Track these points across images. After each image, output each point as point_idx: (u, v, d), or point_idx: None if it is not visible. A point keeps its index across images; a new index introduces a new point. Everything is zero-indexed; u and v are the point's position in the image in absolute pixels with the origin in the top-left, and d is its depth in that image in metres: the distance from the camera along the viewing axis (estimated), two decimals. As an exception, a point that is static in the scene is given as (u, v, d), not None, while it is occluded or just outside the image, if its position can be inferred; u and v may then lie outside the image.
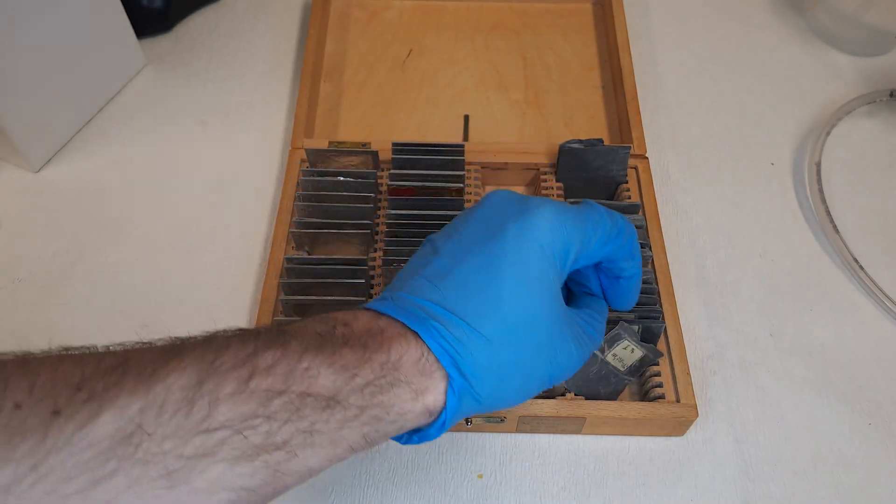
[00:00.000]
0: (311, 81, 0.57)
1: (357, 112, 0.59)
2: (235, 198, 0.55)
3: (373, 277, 0.48)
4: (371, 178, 0.50)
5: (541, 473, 0.43)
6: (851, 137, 0.59)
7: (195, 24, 0.65)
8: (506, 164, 0.53)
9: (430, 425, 0.30)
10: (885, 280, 0.50)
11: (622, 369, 0.43)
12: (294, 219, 0.50)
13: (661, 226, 0.50)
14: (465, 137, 0.58)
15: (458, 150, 0.51)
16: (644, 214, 0.51)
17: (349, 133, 0.58)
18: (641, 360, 0.43)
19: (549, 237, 0.32)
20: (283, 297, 0.46)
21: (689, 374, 0.44)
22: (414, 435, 0.31)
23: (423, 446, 0.44)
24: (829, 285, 0.51)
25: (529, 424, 0.43)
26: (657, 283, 0.47)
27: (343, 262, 0.47)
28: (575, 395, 0.43)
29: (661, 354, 0.44)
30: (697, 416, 0.42)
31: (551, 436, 0.44)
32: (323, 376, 0.27)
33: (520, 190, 0.55)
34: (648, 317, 0.45)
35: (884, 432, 0.45)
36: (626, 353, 0.43)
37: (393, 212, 0.49)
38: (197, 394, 0.25)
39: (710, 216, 0.54)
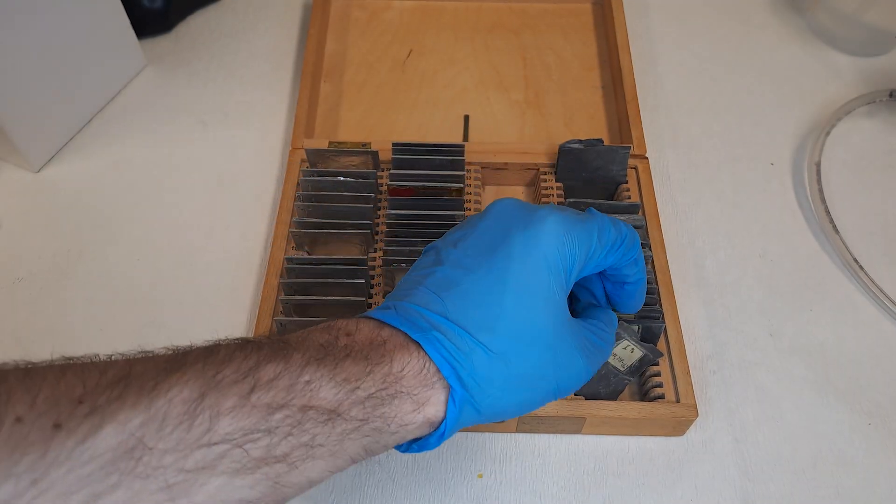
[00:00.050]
0: (311, 81, 0.57)
1: (357, 112, 0.59)
2: (235, 198, 0.55)
3: (373, 277, 0.48)
4: (371, 178, 0.50)
5: (541, 473, 0.43)
6: (851, 137, 0.59)
7: (195, 25, 0.65)
8: (506, 164, 0.53)
9: (429, 435, 0.30)
10: (884, 280, 0.50)
11: (622, 369, 0.43)
12: (294, 219, 0.50)
13: (661, 226, 0.50)
14: (465, 137, 0.58)
15: (458, 150, 0.51)
16: (644, 214, 0.51)
17: (349, 133, 0.58)
18: (641, 359, 0.43)
19: (554, 250, 0.32)
20: (283, 296, 0.46)
21: (688, 373, 0.44)
22: (413, 444, 0.31)
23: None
24: (828, 285, 0.51)
25: (529, 424, 0.44)
26: (657, 283, 0.47)
27: (343, 262, 0.47)
28: (575, 394, 0.43)
29: (660, 354, 0.44)
30: (697, 415, 0.42)
31: (551, 436, 0.44)
32: (324, 389, 0.27)
33: (520, 190, 0.55)
34: (648, 317, 0.45)
35: (883, 432, 0.45)
36: (625, 352, 0.43)
37: (393, 212, 0.49)
38: (198, 408, 0.25)
39: (710, 216, 0.54)
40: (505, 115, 0.59)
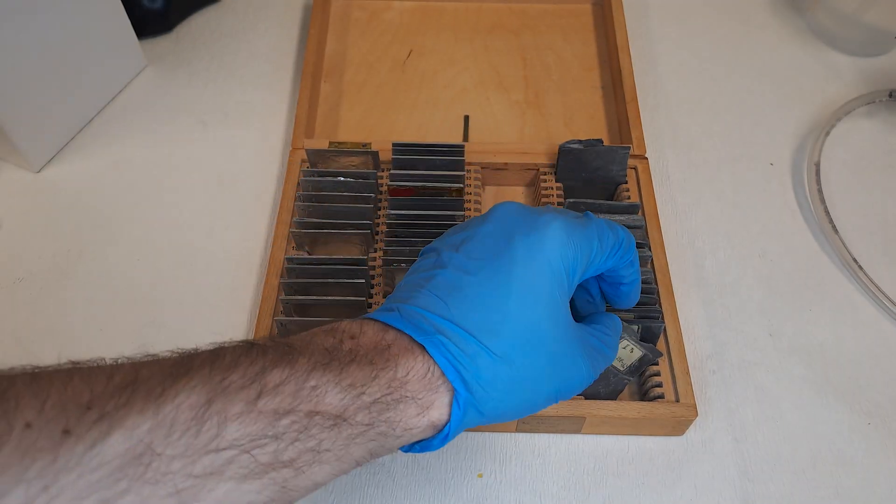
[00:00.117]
0: (311, 82, 0.57)
1: (357, 112, 0.59)
2: (235, 198, 0.55)
3: (373, 277, 0.48)
4: (371, 179, 0.50)
5: (540, 473, 0.43)
6: (851, 138, 0.59)
7: (196, 25, 0.65)
8: (506, 164, 0.53)
9: (433, 437, 0.30)
10: (884, 280, 0.50)
11: (622, 369, 0.43)
12: (294, 219, 0.50)
13: (661, 226, 0.51)
14: (465, 138, 0.58)
15: (458, 150, 0.51)
16: (643, 215, 0.51)
17: (349, 133, 0.58)
18: (641, 359, 0.43)
19: (557, 255, 0.32)
20: (283, 296, 0.46)
21: (688, 373, 0.44)
22: (416, 444, 0.31)
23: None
24: (828, 285, 0.51)
25: (529, 424, 0.44)
26: (656, 284, 0.47)
27: (343, 262, 0.47)
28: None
29: (660, 354, 0.44)
30: (697, 415, 0.42)
31: (551, 435, 0.45)
32: (330, 395, 0.27)
33: (520, 190, 0.55)
34: (648, 317, 0.45)
35: (883, 432, 0.45)
36: (625, 352, 0.43)
37: (393, 212, 0.49)
38: (206, 413, 0.25)
39: (710, 216, 0.54)
40: (505, 116, 0.59)
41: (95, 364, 0.26)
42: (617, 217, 0.49)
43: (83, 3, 0.54)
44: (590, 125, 0.59)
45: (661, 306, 0.46)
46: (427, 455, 0.44)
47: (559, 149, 0.50)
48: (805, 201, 0.55)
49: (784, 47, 0.65)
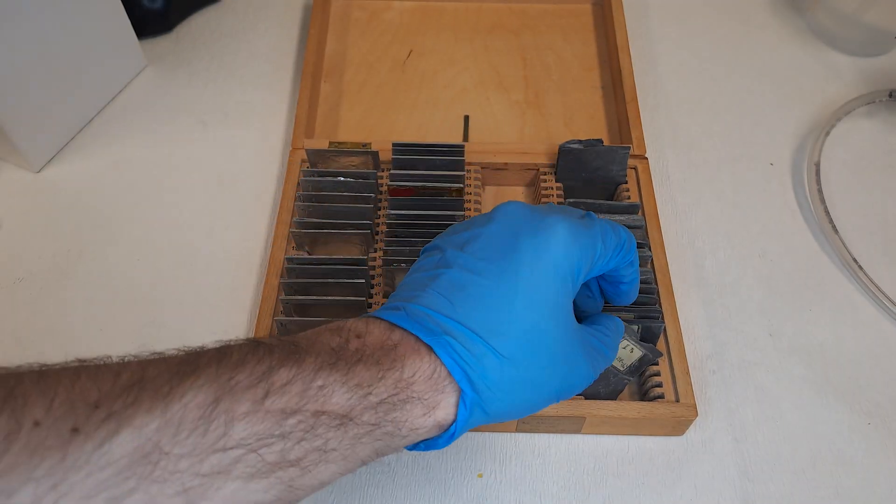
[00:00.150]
0: (311, 82, 0.57)
1: (357, 112, 0.59)
2: (235, 198, 0.55)
3: (373, 277, 0.48)
4: (371, 179, 0.50)
5: (540, 473, 0.43)
6: (851, 138, 0.59)
7: (196, 25, 0.65)
8: (506, 164, 0.53)
9: (438, 436, 0.31)
10: (884, 280, 0.50)
11: (622, 369, 0.43)
12: (294, 219, 0.50)
13: (661, 226, 0.51)
14: (465, 138, 0.58)
15: (458, 150, 0.51)
16: (643, 215, 0.51)
17: (349, 133, 0.58)
18: (641, 359, 0.43)
19: (563, 256, 0.32)
20: (283, 296, 0.46)
21: (688, 373, 0.44)
22: (421, 443, 0.31)
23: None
24: (828, 285, 0.51)
25: (529, 424, 0.44)
26: (656, 283, 0.47)
27: (343, 262, 0.47)
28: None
29: (660, 354, 0.44)
30: (697, 415, 0.42)
31: (551, 435, 0.45)
32: (337, 395, 0.27)
33: (520, 190, 0.55)
34: (648, 317, 0.45)
35: (883, 432, 0.45)
36: (625, 352, 0.43)
37: (393, 212, 0.49)
38: (213, 412, 0.25)
39: (710, 216, 0.54)
40: (505, 116, 0.59)
41: (102, 362, 0.26)
42: (617, 217, 0.49)
43: (83, 3, 0.54)
44: (590, 125, 0.59)
45: (661, 306, 0.46)
46: (427, 455, 0.44)
47: (559, 149, 0.50)
48: (805, 201, 0.55)
49: (784, 47, 0.65)
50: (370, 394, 0.28)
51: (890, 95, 0.59)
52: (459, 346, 0.30)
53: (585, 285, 0.39)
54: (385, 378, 0.28)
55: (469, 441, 0.44)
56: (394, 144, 0.51)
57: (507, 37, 0.64)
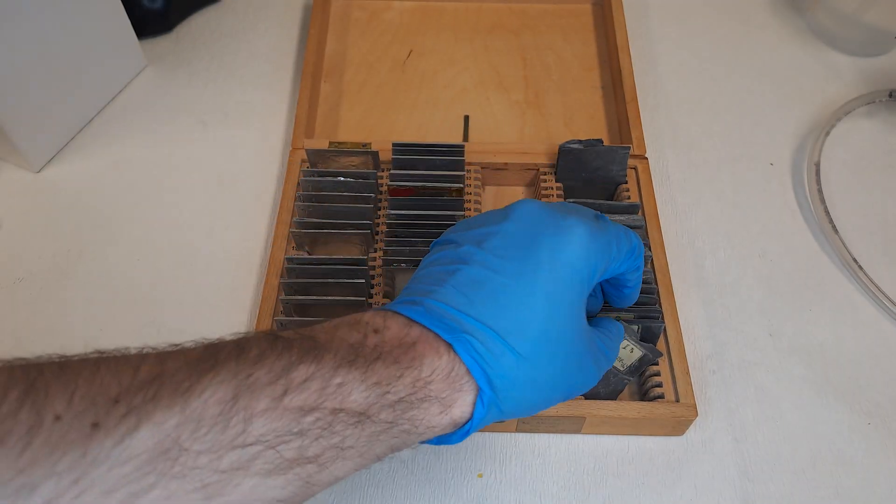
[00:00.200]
0: (311, 82, 0.57)
1: (357, 112, 0.59)
2: (235, 198, 0.55)
3: (373, 277, 0.48)
4: (371, 179, 0.50)
5: (540, 473, 0.43)
6: (851, 138, 0.59)
7: (196, 25, 0.65)
8: (506, 164, 0.53)
9: (452, 433, 0.31)
10: (884, 280, 0.50)
11: (622, 369, 0.43)
12: (294, 219, 0.50)
13: (661, 226, 0.51)
14: (465, 138, 0.58)
15: (458, 150, 0.51)
16: (643, 215, 0.51)
17: (349, 133, 0.58)
18: (641, 359, 0.43)
19: (581, 258, 0.32)
20: (283, 296, 0.46)
21: (688, 373, 0.44)
22: (434, 438, 0.31)
23: (424, 446, 0.44)
24: (828, 285, 0.51)
25: (529, 424, 0.44)
26: (656, 284, 0.47)
27: (343, 262, 0.47)
28: (574, 394, 0.43)
29: (660, 354, 0.44)
30: (697, 415, 0.42)
31: (551, 435, 0.45)
32: (356, 393, 0.27)
33: (520, 190, 0.55)
34: (648, 317, 0.45)
35: (883, 432, 0.45)
36: (625, 352, 0.43)
37: (393, 212, 0.49)
38: (232, 409, 0.25)
39: (710, 216, 0.54)
40: (505, 116, 0.59)
41: (121, 354, 0.26)
42: (617, 217, 0.49)
43: (83, 3, 0.54)
44: (590, 125, 0.59)
45: (661, 306, 0.46)
46: (427, 455, 0.44)
47: (559, 149, 0.50)
48: (805, 201, 0.55)
49: (784, 47, 0.65)
50: (388, 392, 0.28)
51: (890, 95, 0.59)
52: (479, 345, 0.29)
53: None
54: (403, 377, 0.29)
55: (469, 441, 0.44)
56: (394, 144, 0.51)
57: (507, 37, 0.64)
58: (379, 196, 0.52)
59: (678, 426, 0.43)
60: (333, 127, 0.58)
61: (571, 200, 0.49)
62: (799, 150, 0.58)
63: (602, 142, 0.50)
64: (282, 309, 0.46)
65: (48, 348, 0.46)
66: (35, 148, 0.55)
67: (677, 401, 0.43)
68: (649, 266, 0.48)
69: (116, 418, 0.23)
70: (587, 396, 0.43)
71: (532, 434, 0.45)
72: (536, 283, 0.31)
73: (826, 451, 0.44)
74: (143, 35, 0.63)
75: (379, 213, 0.51)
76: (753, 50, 0.65)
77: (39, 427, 0.22)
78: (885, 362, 0.48)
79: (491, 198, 0.55)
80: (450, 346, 0.30)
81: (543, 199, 0.52)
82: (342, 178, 0.50)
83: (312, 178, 0.51)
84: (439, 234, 0.47)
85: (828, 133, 0.57)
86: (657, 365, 0.44)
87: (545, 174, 0.53)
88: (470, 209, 0.51)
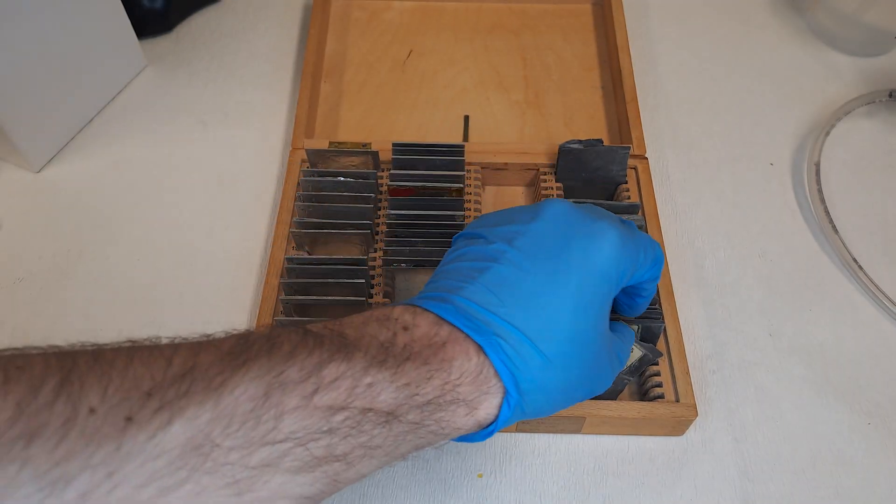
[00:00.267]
0: (311, 82, 0.57)
1: (357, 112, 0.59)
2: (235, 198, 0.55)
3: (373, 277, 0.48)
4: (371, 179, 0.50)
5: (540, 473, 0.43)
6: (851, 138, 0.59)
7: (196, 25, 0.65)
8: (506, 164, 0.53)
9: (476, 433, 0.31)
10: (884, 280, 0.50)
11: (622, 369, 0.43)
12: (294, 219, 0.50)
13: (661, 226, 0.51)
14: (465, 138, 0.58)
15: (458, 150, 0.51)
16: (643, 215, 0.51)
17: (349, 133, 0.58)
18: (641, 359, 0.43)
19: (612, 264, 0.32)
20: (283, 296, 0.46)
21: (688, 373, 0.44)
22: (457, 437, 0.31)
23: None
24: (828, 285, 0.51)
25: (529, 424, 0.44)
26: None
27: (343, 262, 0.47)
28: (574, 394, 0.43)
29: (660, 354, 0.44)
30: (697, 415, 0.42)
31: (551, 435, 0.45)
32: (385, 393, 0.27)
33: (520, 190, 0.55)
34: (648, 317, 0.45)
35: (883, 432, 0.45)
36: (625, 352, 0.43)
37: (393, 212, 0.49)
38: (264, 406, 0.25)
39: (710, 216, 0.54)
40: (505, 116, 0.59)
41: (153, 344, 0.26)
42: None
43: (83, 3, 0.54)
44: (590, 125, 0.59)
45: (661, 306, 0.46)
46: (427, 455, 0.44)
47: (559, 149, 0.50)
48: (805, 201, 0.55)
49: (784, 47, 0.65)
50: (417, 394, 0.28)
51: (890, 95, 0.59)
52: (509, 348, 0.29)
53: None
54: (433, 378, 0.29)
55: (469, 441, 0.44)
56: (394, 144, 0.51)
57: (507, 37, 0.64)
58: (379, 196, 0.52)
59: (678, 426, 0.43)
60: (333, 127, 0.58)
61: (571, 201, 0.49)
62: (799, 150, 0.58)
63: (602, 142, 0.50)
64: (282, 309, 0.46)
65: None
66: (35, 148, 0.55)
67: (677, 401, 0.43)
68: (649, 266, 0.48)
69: (150, 413, 0.23)
70: (587, 396, 0.43)
71: (532, 434, 0.45)
72: (567, 285, 0.31)
73: (826, 451, 0.44)
74: (143, 35, 0.63)
75: (379, 213, 0.51)
76: (753, 50, 0.65)
77: (75, 419, 0.22)
78: (885, 362, 0.48)
79: (491, 198, 0.55)
80: (479, 347, 0.29)
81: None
82: (342, 178, 0.50)
83: (312, 178, 0.51)
84: (439, 234, 0.48)
85: (828, 133, 0.57)
86: (657, 365, 0.44)
87: (545, 174, 0.53)
88: (470, 209, 0.51)
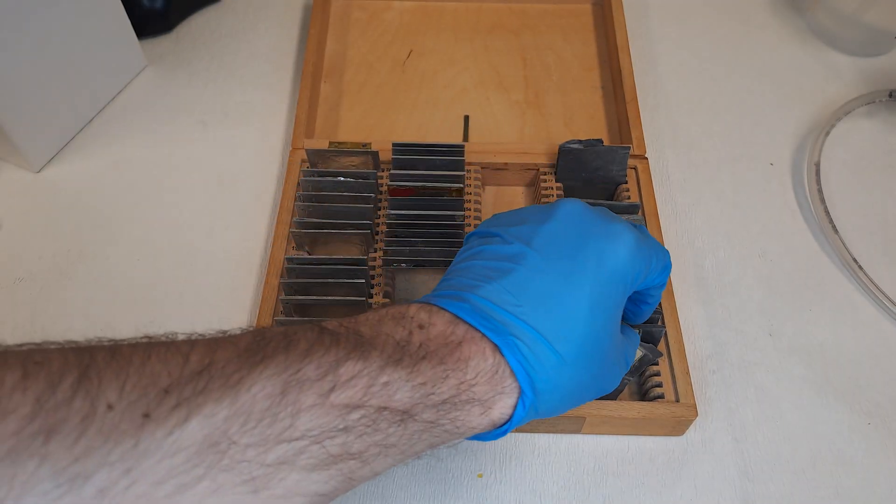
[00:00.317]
0: (311, 82, 0.57)
1: (357, 112, 0.59)
2: (235, 198, 0.55)
3: (373, 277, 0.48)
4: (371, 179, 0.50)
5: (540, 473, 0.43)
6: (851, 138, 0.59)
7: (196, 25, 0.65)
8: (506, 164, 0.53)
9: (489, 431, 0.31)
10: (884, 280, 0.50)
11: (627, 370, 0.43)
12: (294, 219, 0.50)
13: (661, 226, 0.51)
14: (465, 138, 0.58)
15: (458, 150, 0.51)
16: (643, 215, 0.51)
17: (349, 133, 0.58)
18: (641, 360, 0.43)
19: (627, 266, 0.32)
20: (283, 296, 0.46)
21: (688, 373, 0.44)
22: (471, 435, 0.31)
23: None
24: (828, 285, 0.51)
25: (529, 424, 0.43)
26: (657, 283, 0.47)
27: (343, 262, 0.47)
28: (574, 394, 0.43)
29: (660, 354, 0.44)
30: (697, 415, 0.42)
31: (551, 435, 0.45)
32: (401, 392, 0.28)
33: (520, 190, 0.55)
34: (649, 321, 0.45)
35: (883, 432, 0.45)
36: (625, 352, 0.43)
37: (393, 212, 0.49)
38: (280, 404, 0.25)
39: (710, 216, 0.54)
40: (505, 116, 0.59)
41: (170, 340, 0.26)
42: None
43: (83, 3, 0.54)
44: (590, 125, 0.59)
45: (661, 306, 0.46)
46: (427, 454, 0.44)
47: (559, 149, 0.50)
48: (805, 201, 0.55)
49: (784, 47, 0.65)
50: (433, 394, 0.28)
51: (890, 95, 0.59)
52: (525, 349, 0.29)
53: None
54: (449, 378, 0.29)
55: (469, 441, 0.44)
56: (394, 144, 0.51)
57: (507, 37, 0.64)
58: (379, 196, 0.52)
59: (678, 426, 0.43)
60: (333, 127, 0.58)
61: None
62: (799, 150, 0.58)
63: (602, 142, 0.50)
64: (282, 309, 0.46)
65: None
66: (35, 148, 0.55)
67: (677, 401, 0.43)
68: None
69: (167, 409, 0.23)
70: (587, 396, 0.43)
71: (532, 434, 0.45)
72: (583, 287, 0.31)
73: (826, 451, 0.44)
74: (143, 35, 0.63)
75: (379, 213, 0.51)
76: (753, 50, 0.65)
77: (93, 416, 0.22)
78: (885, 362, 0.48)
79: (491, 198, 0.55)
80: (496, 347, 0.29)
81: (543, 200, 0.52)
82: (342, 178, 0.50)
83: (312, 178, 0.51)
84: (439, 234, 0.48)
85: (828, 133, 0.57)
86: (657, 365, 0.44)
87: (545, 174, 0.53)
88: (470, 209, 0.51)
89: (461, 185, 0.50)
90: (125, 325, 0.48)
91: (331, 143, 0.53)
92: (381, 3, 0.66)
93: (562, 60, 0.63)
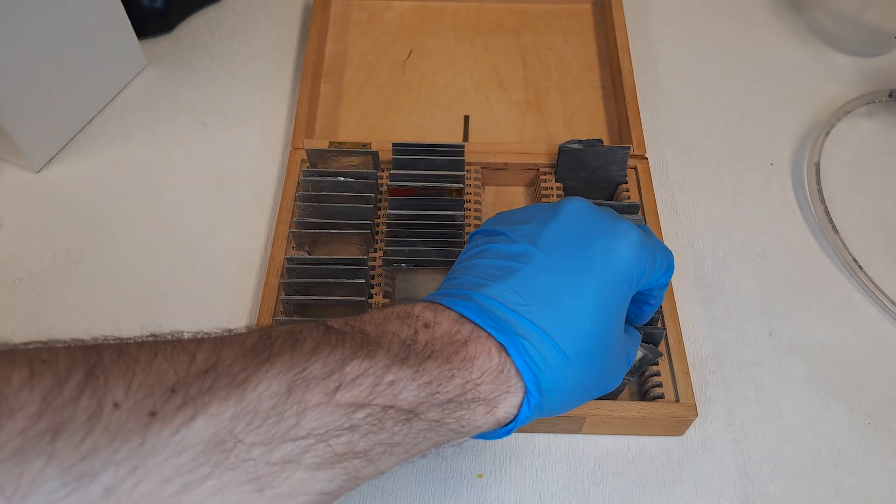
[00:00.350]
0: (311, 82, 0.57)
1: (357, 112, 0.59)
2: (235, 198, 0.55)
3: (373, 277, 0.48)
4: (371, 179, 0.50)
5: (540, 473, 0.43)
6: (851, 138, 0.59)
7: (196, 25, 0.65)
8: (506, 164, 0.53)
9: (494, 430, 0.31)
10: (884, 280, 0.50)
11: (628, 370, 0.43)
12: (294, 219, 0.50)
13: (661, 226, 0.51)
14: (465, 138, 0.58)
15: (458, 150, 0.51)
16: (643, 215, 0.51)
17: (349, 133, 0.58)
18: (641, 360, 0.43)
19: (632, 265, 0.32)
20: (283, 297, 0.46)
21: (688, 373, 0.44)
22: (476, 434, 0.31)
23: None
24: (828, 285, 0.51)
25: (529, 423, 0.43)
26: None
27: (343, 262, 0.47)
28: (574, 394, 0.43)
29: (660, 354, 0.44)
30: (697, 415, 0.42)
31: (551, 435, 0.45)
32: (407, 391, 0.28)
33: (520, 190, 0.55)
34: (649, 323, 0.45)
35: (883, 432, 0.45)
36: (625, 352, 0.43)
37: (393, 212, 0.49)
38: (286, 402, 0.25)
39: (710, 216, 0.54)
40: (505, 116, 0.59)
41: (176, 339, 0.26)
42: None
43: (83, 3, 0.54)
44: (590, 125, 0.59)
45: (661, 307, 0.46)
46: (427, 454, 0.44)
47: (559, 149, 0.50)
48: (805, 201, 0.55)
49: (784, 47, 0.65)
50: (438, 393, 0.28)
51: (890, 95, 0.59)
52: (531, 348, 0.29)
53: None
54: (454, 377, 0.29)
55: (469, 441, 0.44)
56: (394, 144, 0.51)
57: (507, 37, 0.64)
58: (379, 196, 0.52)
59: (678, 426, 0.43)
60: (333, 127, 0.58)
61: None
62: (799, 150, 0.58)
63: (602, 142, 0.50)
64: (282, 309, 0.46)
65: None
66: (35, 148, 0.55)
67: (677, 401, 0.43)
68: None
69: (173, 408, 0.24)
70: (587, 396, 0.43)
71: (532, 434, 0.45)
72: (589, 286, 0.31)
73: (826, 451, 0.44)
74: (143, 35, 0.63)
75: (379, 213, 0.51)
76: (753, 50, 0.65)
77: (100, 415, 0.23)
78: (885, 362, 0.48)
79: (491, 198, 0.55)
80: (502, 346, 0.29)
81: (543, 200, 0.52)
82: (342, 178, 0.50)
83: (312, 178, 0.51)
84: (439, 234, 0.48)
85: (828, 133, 0.57)
86: (657, 365, 0.44)
87: (545, 174, 0.53)
88: (470, 209, 0.51)
89: (461, 185, 0.50)
90: (125, 325, 0.49)
91: (331, 143, 0.53)
92: (381, 3, 0.66)
93: (562, 60, 0.63)
